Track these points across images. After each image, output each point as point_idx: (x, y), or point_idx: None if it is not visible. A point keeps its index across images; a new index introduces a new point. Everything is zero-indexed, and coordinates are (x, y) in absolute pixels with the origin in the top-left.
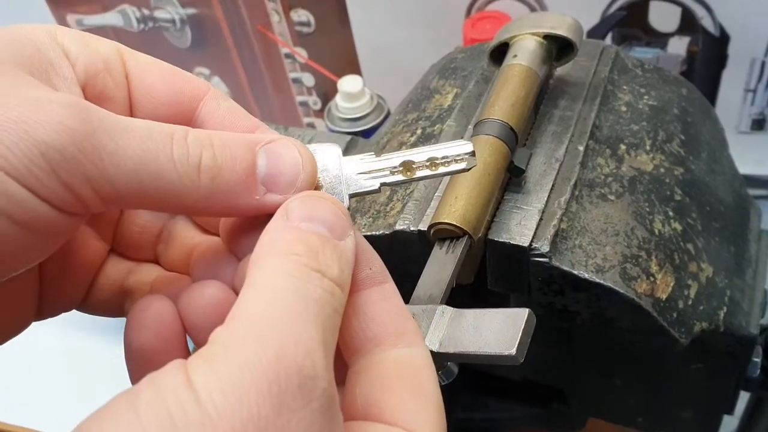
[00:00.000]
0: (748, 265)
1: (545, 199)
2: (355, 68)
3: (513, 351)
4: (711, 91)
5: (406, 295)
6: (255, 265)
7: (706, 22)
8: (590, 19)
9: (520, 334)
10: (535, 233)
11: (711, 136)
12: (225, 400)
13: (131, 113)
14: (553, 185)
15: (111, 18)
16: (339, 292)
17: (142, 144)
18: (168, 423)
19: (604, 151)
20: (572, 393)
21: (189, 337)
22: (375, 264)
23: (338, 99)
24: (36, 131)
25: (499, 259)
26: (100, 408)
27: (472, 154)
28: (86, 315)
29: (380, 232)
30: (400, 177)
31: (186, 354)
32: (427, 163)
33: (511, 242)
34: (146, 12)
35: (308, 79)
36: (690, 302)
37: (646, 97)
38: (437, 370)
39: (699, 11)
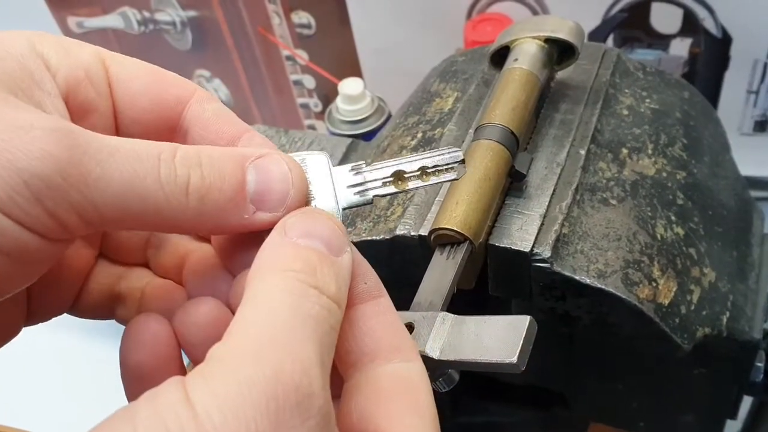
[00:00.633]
0: (751, 270)
1: (546, 203)
2: (355, 70)
3: (514, 359)
4: (713, 93)
5: (407, 300)
6: (252, 281)
7: (708, 24)
8: (592, 21)
9: (521, 342)
10: (536, 238)
11: (713, 139)
12: (223, 418)
13: (115, 121)
14: (554, 190)
15: (111, 20)
16: (336, 309)
17: (129, 167)
18: None
19: (605, 155)
20: (574, 397)
21: (184, 353)
22: (370, 278)
23: (339, 101)
24: (19, 160)
25: (500, 265)
26: (98, 425)
27: (462, 162)
28: None
29: (381, 237)
30: (392, 189)
31: (182, 370)
32: (418, 173)
33: (513, 247)
34: (147, 14)
35: (309, 82)
36: (692, 307)
37: (647, 100)
38: (438, 377)
39: (701, 13)
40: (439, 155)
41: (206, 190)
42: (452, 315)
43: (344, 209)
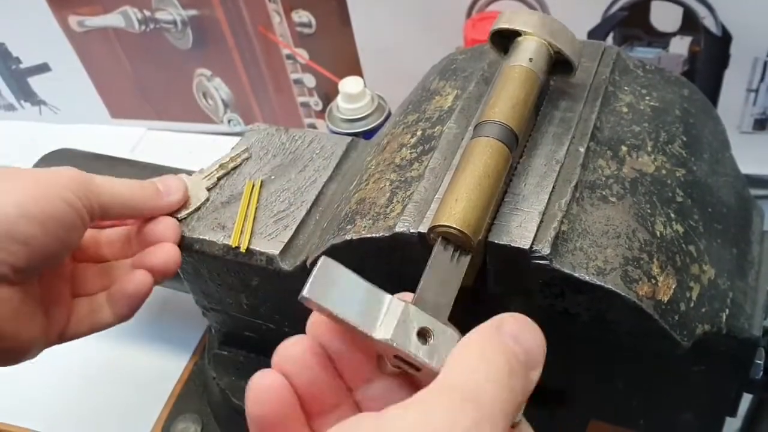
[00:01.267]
0: (751, 267)
1: (546, 201)
2: (356, 69)
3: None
4: (713, 91)
5: None
6: (461, 352)
7: (708, 22)
8: (591, 19)
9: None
10: (535, 235)
11: (713, 137)
12: None
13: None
14: (553, 187)
15: (112, 19)
16: (515, 411)
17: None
18: None
19: (605, 152)
20: (573, 395)
21: None
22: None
23: (339, 100)
24: (63, 176)
25: (499, 262)
26: None
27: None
28: None
29: (380, 234)
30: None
31: (303, 420)
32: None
33: (512, 245)
34: (147, 13)
35: (309, 80)
36: (692, 305)
37: (647, 98)
38: None
39: (701, 11)
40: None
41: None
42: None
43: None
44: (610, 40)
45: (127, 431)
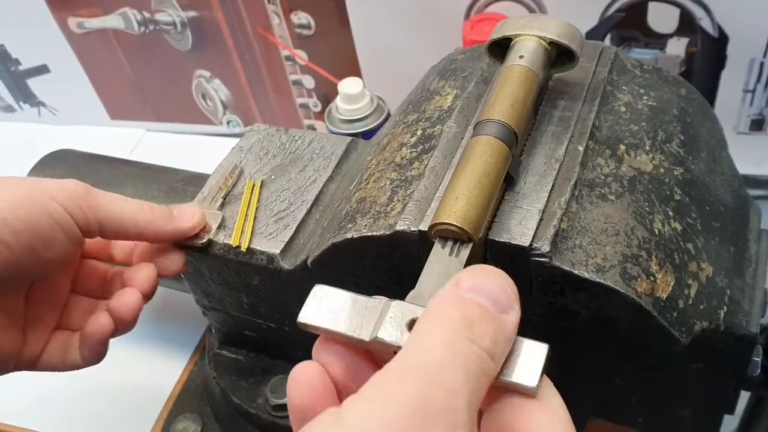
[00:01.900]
0: (748, 265)
1: (545, 199)
2: (355, 70)
3: (534, 385)
4: (710, 92)
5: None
6: (419, 323)
7: (705, 23)
8: (589, 20)
9: (541, 369)
10: (535, 233)
11: (710, 136)
12: (368, 429)
13: None
14: (553, 185)
15: (112, 21)
16: (487, 358)
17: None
18: None
19: (603, 151)
20: (571, 392)
21: None
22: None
23: (338, 101)
24: (67, 187)
25: (499, 260)
26: None
27: None
28: None
29: (381, 233)
30: None
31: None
32: None
33: (512, 242)
34: (147, 15)
35: (308, 82)
36: (690, 302)
37: (645, 97)
38: None
39: (698, 12)
40: None
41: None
42: None
43: None
44: (607, 41)
45: (127, 431)
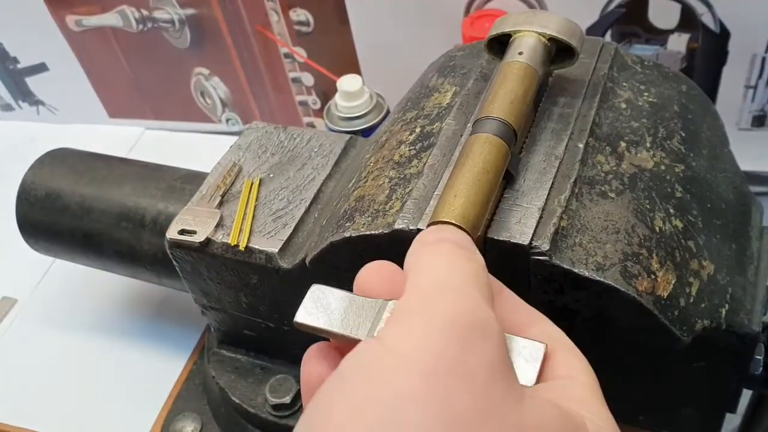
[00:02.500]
0: (750, 263)
1: (545, 196)
2: (354, 67)
3: (531, 385)
4: (711, 88)
5: None
6: (410, 260)
7: (706, 19)
8: (589, 16)
9: (538, 369)
10: (535, 231)
11: (711, 132)
12: (412, 346)
13: None
14: (552, 183)
15: (110, 19)
16: (484, 272)
17: None
18: (366, 371)
19: (604, 148)
20: None
21: None
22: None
23: (337, 98)
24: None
25: (498, 258)
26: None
27: None
28: (87, 316)
29: (379, 231)
30: None
31: None
32: None
33: (511, 241)
34: (145, 12)
35: (307, 79)
36: (691, 300)
37: (645, 94)
38: None
39: (699, 8)
40: None
41: None
42: None
43: None
44: (608, 37)
45: (127, 431)
